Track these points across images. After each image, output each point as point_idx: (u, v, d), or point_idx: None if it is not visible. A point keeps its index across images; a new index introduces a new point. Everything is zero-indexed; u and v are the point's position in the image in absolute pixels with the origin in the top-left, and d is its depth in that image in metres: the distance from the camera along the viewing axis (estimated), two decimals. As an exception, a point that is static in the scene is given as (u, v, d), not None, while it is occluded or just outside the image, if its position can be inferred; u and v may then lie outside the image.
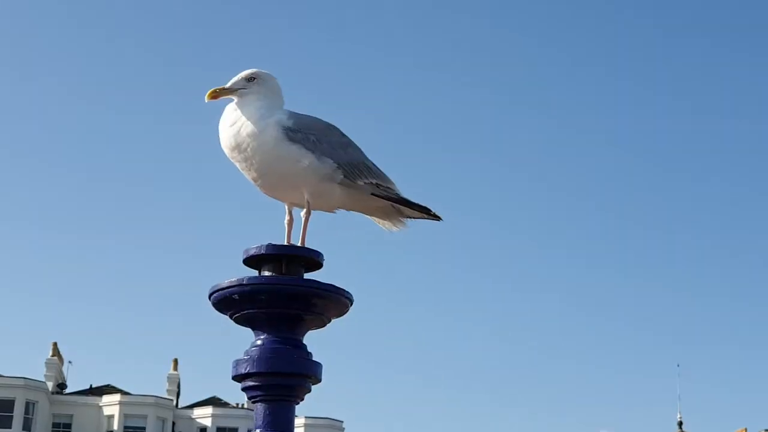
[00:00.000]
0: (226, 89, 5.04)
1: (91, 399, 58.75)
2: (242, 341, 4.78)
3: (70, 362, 62.21)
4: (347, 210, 5.17)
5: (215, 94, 5.03)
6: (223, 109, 5.06)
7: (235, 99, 5.02)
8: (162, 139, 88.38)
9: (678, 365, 75.27)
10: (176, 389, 61.64)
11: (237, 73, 5.06)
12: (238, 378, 4.71)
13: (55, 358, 59.97)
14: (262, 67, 5.09)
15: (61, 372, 60.91)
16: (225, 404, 61.72)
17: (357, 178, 4.99)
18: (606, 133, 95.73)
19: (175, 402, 60.61)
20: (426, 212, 5.15)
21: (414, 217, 5.18)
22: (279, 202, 5.04)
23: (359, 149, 5.09)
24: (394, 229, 5.22)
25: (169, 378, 61.93)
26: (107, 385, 61.14)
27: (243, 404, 61.47)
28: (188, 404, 62.39)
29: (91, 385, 61.58)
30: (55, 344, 60.69)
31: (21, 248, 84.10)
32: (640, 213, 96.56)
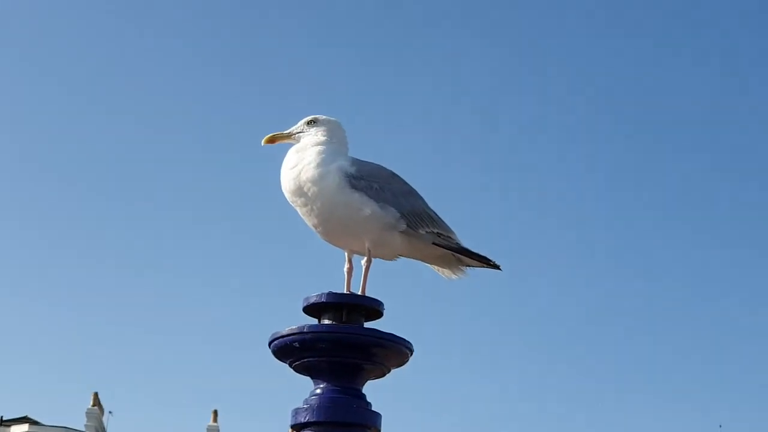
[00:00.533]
0: (284, 134, 5.04)
1: (130, 449, 58.78)
2: (298, 391, 4.75)
3: (110, 412, 62.30)
4: (407, 258, 5.15)
5: (272, 139, 5.03)
6: (286, 152, 5.07)
7: (294, 143, 5.02)
8: (218, 181, 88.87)
9: (720, 426, 74.20)
10: (219, 439, 61.56)
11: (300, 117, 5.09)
12: (297, 427, 4.67)
13: (96, 408, 60.04)
14: (331, 112, 5.11)
15: (101, 422, 61.01)
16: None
17: (419, 228, 4.98)
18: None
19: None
20: (485, 262, 5.14)
21: (473, 266, 5.18)
22: (338, 249, 5.03)
23: (421, 198, 5.08)
24: (454, 277, 5.21)
25: (209, 430, 61.87)
26: (146, 436, 61.20)
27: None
28: (227, 456, 62.26)
29: (129, 436, 61.64)
30: (95, 394, 60.81)
31: (64, 295, 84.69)
32: (685, 279, 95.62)
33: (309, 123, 5.04)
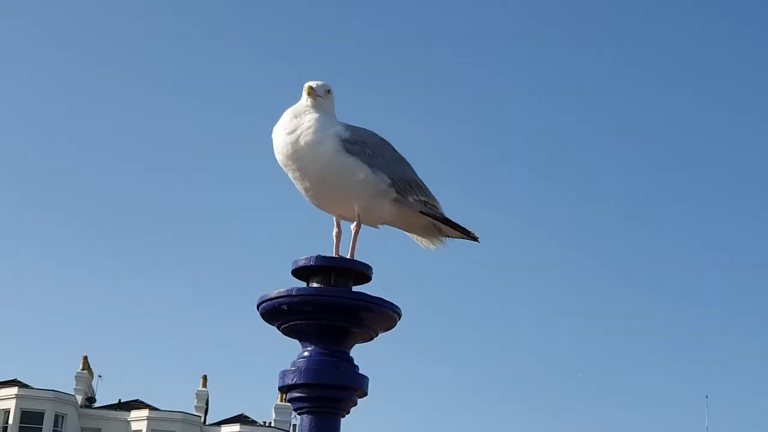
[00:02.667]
0: (314, 92, 5.02)
1: (119, 413, 58.90)
2: (287, 353, 4.77)
3: (99, 376, 62.46)
4: (391, 226, 5.17)
5: (311, 92, 5.01)
6: (277, 117, 5.06)
7: (310, 104, 5.01)
8: (205, 147, 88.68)
9: (707, 397, 74.62)
10: (204, 406, 61.71)
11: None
12: (284, 389, 4.70)
13: (85, 371, 60.22)
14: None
15: (90, 386, 61.13)
16: (252, 422, 61.70)
17: (408, 195, 5.00)
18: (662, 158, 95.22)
19: (203, 419, 60.67)
20: (465, 233, 5.18)
21: (453, 237, 5.21)
22: (326, 214, 5.04)
23: (410, 166, 5.10)
24: (432, 247, 5.25)
25: (198, 395, 62.02)
26: (136, 400, 61.28)
27: (270, 422, 61.43)
28: (216, 421, 62.43)
29: (119, 400, 61.75)
30: (85, 358, 60.97)
31: (54, 261, 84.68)
32: (669, 241, 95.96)
33: (327, 92, 5.05)
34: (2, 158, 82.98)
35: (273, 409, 61.85)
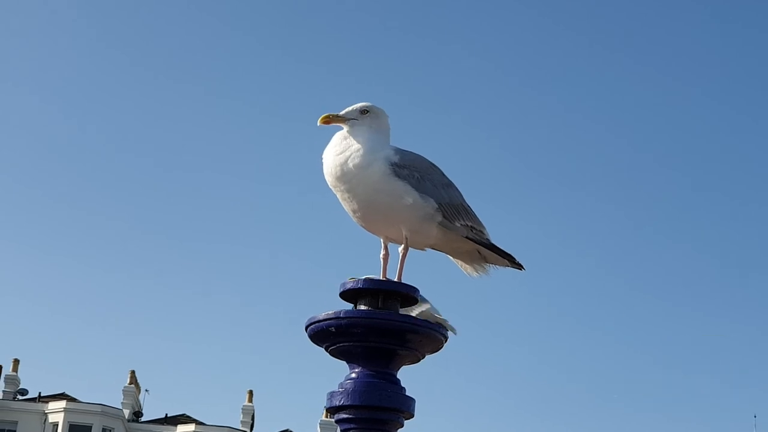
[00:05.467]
0: (340, 117, 5.08)
1: (166, 428, 59.25)
2: (333, 374, 4.82)
3: (146, 391, 62.86)
4: (437, 250, 5.20)
5: (328, 120, 5.08)
6: (329, 139, 5.11)
7: (345, 128, 5.08)
8: (257, 167, 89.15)
9: (755, 416, 73.61)
10: (250, 421, 61.91)
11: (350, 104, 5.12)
12: (331, 410, 4.75)
13: (133, 386, 60.62)
14: (376, 100, 5.16)
15: (137, 400, 61.54)
16: (298, 438, 61.79)
17: (455, 220, 5.03)
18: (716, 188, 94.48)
19: (248, 434, 60.87)
20: (510, 260, 5.20)
21: (497, 264, 5.23)
22: (374, 236, 5.08)
23: (458, 191, 5.13)
24: (475, 274, 5.26)
25: (244, 409, 62.23)
26: (182, 415, 61.60)
27: (316, 438, 61.48)
28: (261, 436, 62.58)
29: (166, 414, 62.09)
30: (132, 372, 61.39)
31: (104, 276, 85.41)
32: (713, 263, 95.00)
33: (362, 112, 5.08)
34: (57, 175, 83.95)
35: (318, 426, 61.92)
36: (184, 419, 60.55)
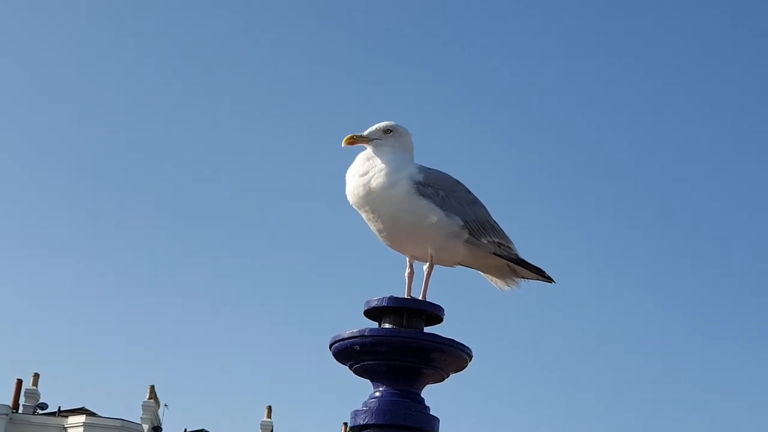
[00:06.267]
0: (363, 137, 5.09)
1: (185, 443, 59.33)
2: (354, 391, 4.80)
3: (166, 405, 62.87)
4: (465, 266, 5.20)
5: (352, 141, 5.08)
6: (352, 159, 5.12)
7: (370, 148, 5.08)
8: (283, 183, 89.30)
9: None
10: (270, 437, 61.90)
11: (370, 123, 5.14)
12: (355, 429, 4.73)
13: (152, 400, 60.65)
14: (398, 119, 5.16)
15: (156, 415, 61.62)
16: (317, 454, 61.72)
17: (481, 236, 5.02)
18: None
19: (268, 450, 60.86)
20: (540, 274, 5.19)
21: (528, 278, 5.23)
22: (399, 254, 5.08)
23: (484, 207, 5.13)
24: (506, 288, 5.27)
25: (263, 425, 62.22)
26: (201, 430, 61.66)
27: (334, 455, 61.42)
28: (280, 452, 62.57)
29: (185, 430, 62.11)
30: (152, 387, 61.46)
31: (124, 291, 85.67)
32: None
33: (386, 131, 5.09)
34: (82, 186, 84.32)
35: (338, 441, 61.87)
36: (203, 434, 60.60)
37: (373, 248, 5.17)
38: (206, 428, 61.97)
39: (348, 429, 4.79)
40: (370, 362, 4.73)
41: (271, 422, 62.83)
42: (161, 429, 61.99)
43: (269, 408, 63.33)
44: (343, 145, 5.09)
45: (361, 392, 4.85)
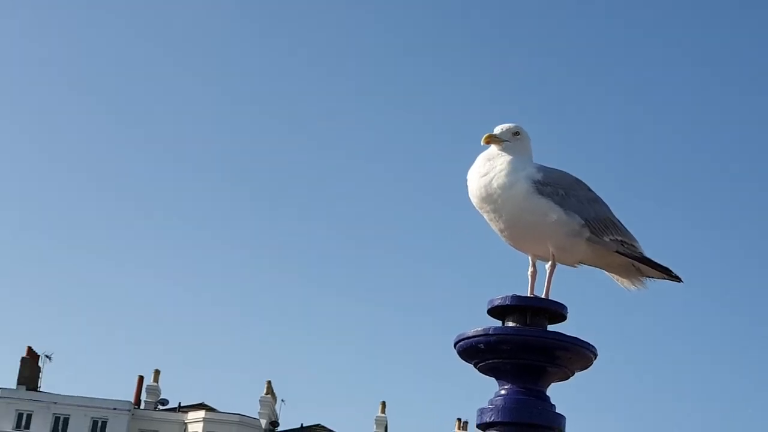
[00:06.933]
0: (497, 138, 5.13)
1: (301, 438, 60.00)
2: (467, 387, 4.84)
3: (282, 400, 63.73)
4: (588, 265, 5.19)
5: (489, 140, 5.13)
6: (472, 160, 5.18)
7: (495, 149, 5.12)
8: (402, 186, 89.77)
9: None
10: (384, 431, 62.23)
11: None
12: (482, 426, 4.78)
13: (269, 396, 61.53)
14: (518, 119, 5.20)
15: (274, 410, 62.46)
16: (431, 449, 61.86)
17: (603, 235, 5.02)
18: None
19: (382, 444, 61.18)
20: (667, 273, 5.15)
21: (654, 277, 5.19)
22: (522, 254, 5.11)
23: (606, 205, 5.12)
24: (632, 287, 5.23)
25: (377, 420, 62.57)
26: (317, 425, 62.30)
27: (449, 450, 61.42)
28: (395, 447, 62.89)
29: (302, 424, 62.85)
30: (269, 382, 62.33)
31: (242, 289, 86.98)
32: None
33: (514, 134, 5.13)
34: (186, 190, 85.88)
35: (452, 437, 61.86)
36: (319, 429, 61.21)
37: (497, 248, 5.21)
38: (322, 423, 62.64)
39: (475, 426, 4.84)
40: (494, 360, 4.78)
41: (386, 417, 63.12)
42: (278, 424, 62.80)
43: (383, 403, 63.70)
44: (482, 143, 5.14)
45: (474, 389, 4.91)
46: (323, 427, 61.94)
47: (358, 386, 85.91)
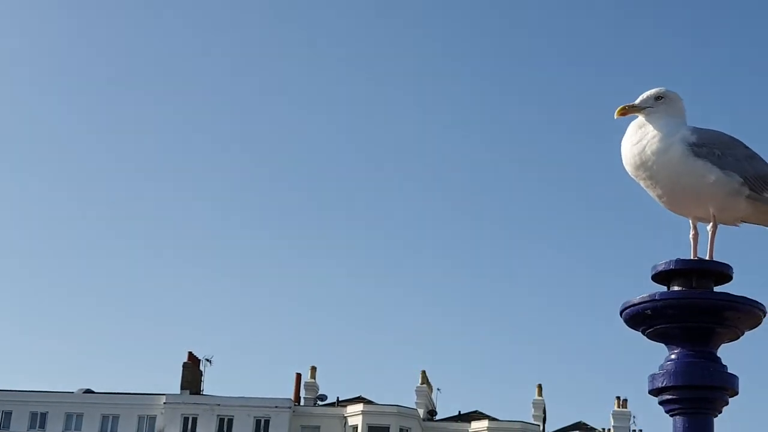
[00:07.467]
0: (635, 107, 5.13)
1: (460, 425, 60.23)
2: (621, 366, 4.84)
3: (438, 389, 64.10)
4: (751, 223, 5.15)
5: (624, 111, 5.14)
6: (626, 128, 5.18)
7: (642, 117, 5.12)
8: (565, 156, 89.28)
9: None
10: (542, 414, 61.97)
11: (641, 91, 5.18)
12: (654, 392, 4.79)
13: (425, 385, 61.98)
14: (668, 84, 5.18)
15: (430, 399, 62.87)
16: (592, 429, 61.34)
17: (764, 191, 4.97)
18: None
19: (541, 427, 60.95)
20: None
21: None
22: (681, 217, 5.10)
23: (765, 161, 5.06)
24: None
25: (535, 403, 62.37)
26: (475, 411, 62.44)
27: (609, 429, 60.80)
28: (555, 429, 62.56)
29: (459, 412, 63.12)
30: (423, 372, 62.77)
31: (386, 281, 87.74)
32: None
33: (657, 99, 5.12)
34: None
35: (611, 416, 61.20)
36: (477, 416, 61.33)
37: (657, 214, 5.21)
38: (480, 410, 62.72)
39: (647, 392, 4.86)
40: (662, 326, 4.77)
41: (543, 400, 62.83)
42: (436, 413, 63.17)
43: (539, 386, 63.40)
44: (615, 116, 5.15)
45: (633, 368, 4.90)
46: (481, 413, 62.02)
47: (514, 371, 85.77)
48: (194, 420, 57.28)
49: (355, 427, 57.28)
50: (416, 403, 60.82)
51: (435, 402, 63.82)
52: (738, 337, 4.84)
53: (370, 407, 57.99)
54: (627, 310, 4.83)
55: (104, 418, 58.05)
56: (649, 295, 4.75)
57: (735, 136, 5.08)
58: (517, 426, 58.84)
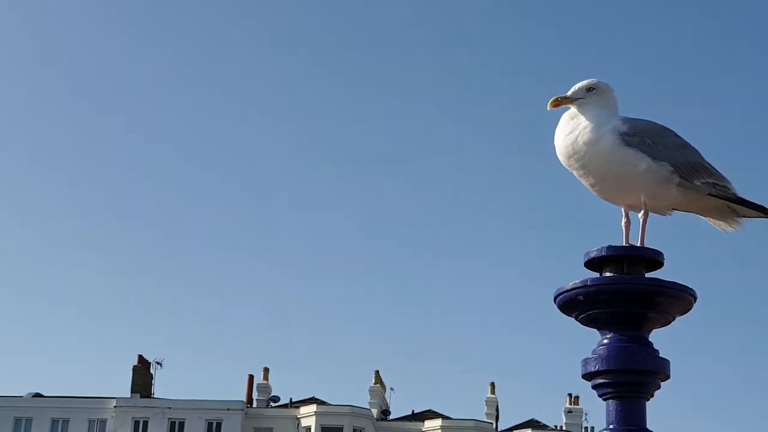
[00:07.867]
0: (568, 98, 5.20)
1: (413, 424, 60.31)
2: (575, 362, 4.92)
3: (392, 389, 64.14)
4: (682, 211, 5.24)
5: (557, 103, 5.21)
6: (558, 118, 5.25)
7: (574, 108, 5.19)
8: (497, 147, 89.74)
9: None
10: (495, 412, 62.21)
11: (573, 83, 5.25)
12: (587, 376, 4.87)
13: (378, 385, 61.98)
14: (598, 75, 5.25)
15: (384, 399, 62.89)
16: (544, 427, 61.70)
17: (694, 179, 5.05)
18: None
19: (494, 425, 61.20)
20: (763, 212, 5.16)
21: (750, 217, 5.20)
22: (613, 205, 5.18)
23: (695, 150, 5.15)
24: (729, 229, 5.25)
25: (488, 401, 62.61)
26: (429, 410, 62.56)
27: (561, 426, 61.18)
28: (507, 427, 62.82)
29: (413, 411, 63.21)
30: (377, 372, 62.79)
31: (343, 283, 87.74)
32: None
33: (588, 90, 5.19)
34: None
35: (563, 413, 61.61)
36: (430, 415, 61.44)
37: (589, 202, 5.28)
38: (433, 408, 62.86)
39: (581, 377, 4.93)
40: (595, 311, 4.85)
41: (496, 398, 63.09)
42: (389, 412, 63.20)
43: (492, 384, 63.67)
44: (548, 108, 5.22)
45: (581, 351, 4.96)
46: (434, 412, 62.16)
47: (467, 369, 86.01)
48: (145, 423, 56.86)
49: (309, 428, 57.16)
50: (370, 403, 60.79)
51: (389, 402, 63.85)
52: (669, 322, 4.93)
53: (323, 408, 57.88)
54: (560, 296, 4.90)
55: (54, 422, 57.46)
56: (582, 281, 4.82)
57: (667, 126, 5.16)
58: (470, 424, 59.01)
